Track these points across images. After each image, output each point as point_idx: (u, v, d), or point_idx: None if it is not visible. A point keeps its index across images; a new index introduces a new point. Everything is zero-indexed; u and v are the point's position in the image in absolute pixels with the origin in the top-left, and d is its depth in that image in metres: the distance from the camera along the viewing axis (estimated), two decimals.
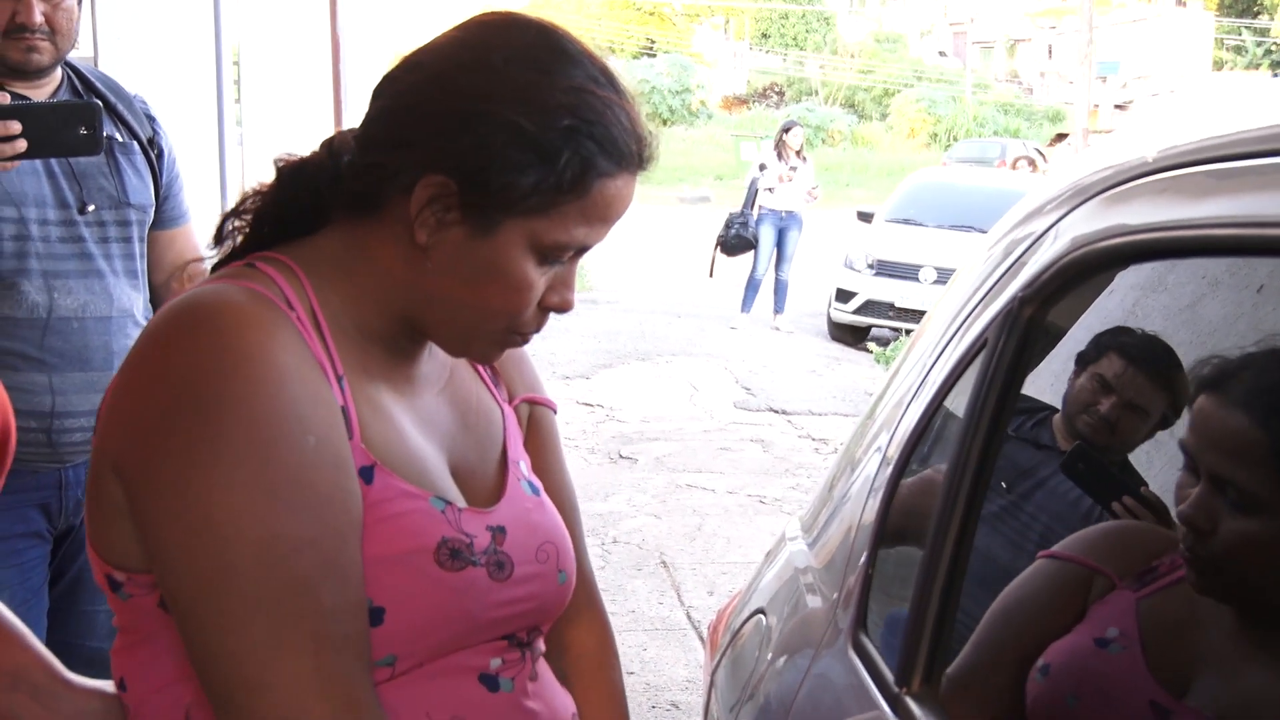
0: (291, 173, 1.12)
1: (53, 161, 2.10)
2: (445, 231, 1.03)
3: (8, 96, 1.97)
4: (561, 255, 1.06)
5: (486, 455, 1.16)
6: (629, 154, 1.05)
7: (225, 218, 1.13)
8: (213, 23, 8.52)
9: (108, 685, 1.12)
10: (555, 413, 1.30)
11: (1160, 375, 1.22)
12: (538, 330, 1.11)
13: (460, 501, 1.09)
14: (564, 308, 1.10)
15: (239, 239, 1.12)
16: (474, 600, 1.05)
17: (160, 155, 2.28)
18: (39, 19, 2.05)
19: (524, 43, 1.04)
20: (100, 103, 2.10)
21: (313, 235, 1.10)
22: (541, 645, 1.17)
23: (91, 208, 2.15)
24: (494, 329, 1.08)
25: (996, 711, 1.23)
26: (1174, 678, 1.08)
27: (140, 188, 2.22)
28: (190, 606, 0.96)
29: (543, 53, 1.04)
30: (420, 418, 1.12)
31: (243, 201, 1.13)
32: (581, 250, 1.08)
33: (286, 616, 0.94)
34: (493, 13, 1.09)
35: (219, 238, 1.13)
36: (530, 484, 1.18)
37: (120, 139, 2.21)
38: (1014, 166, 17.19)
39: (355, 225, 1.07)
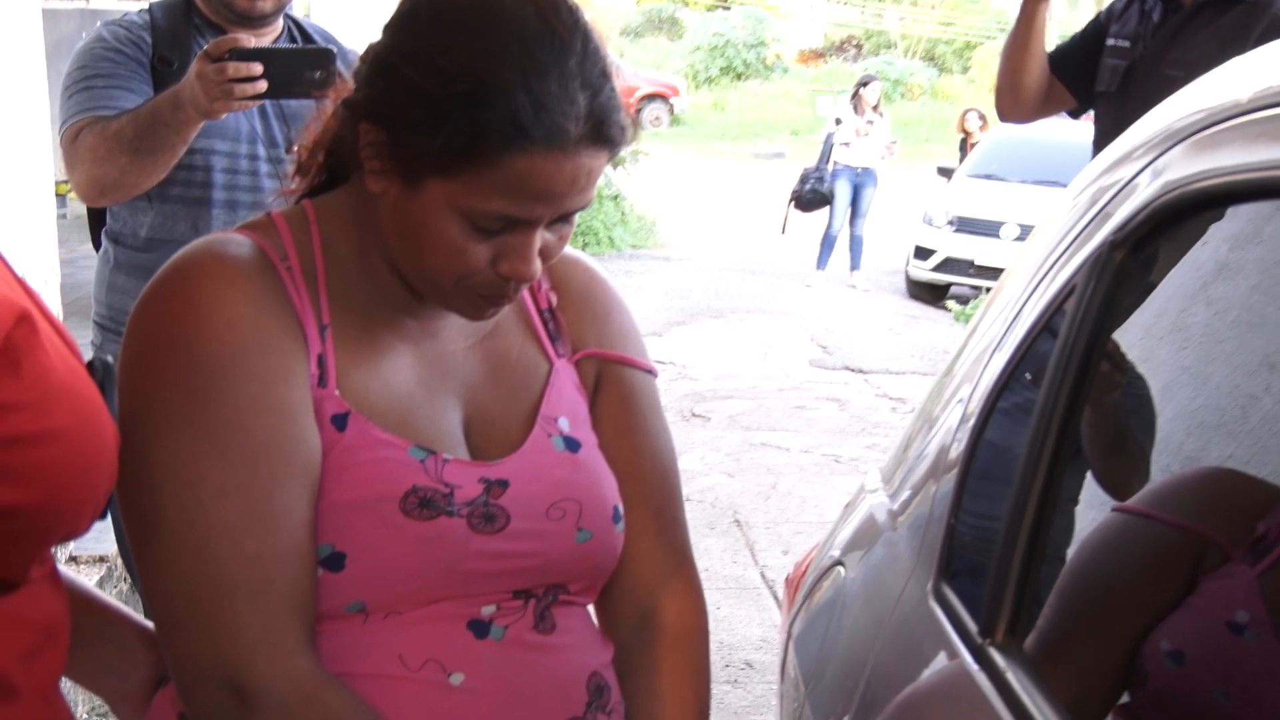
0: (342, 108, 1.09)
1: (267, 103, 2.22)
2: (387, 181, 1.01)
3: (252, 41, 2.08)
4: (491, 224, 1.00)
5: (513, 409, 1.13)
6: (547, 131, 0.96)
7: (308, 151, 1.14)
8: None
9: None
10: (650, 374, 1.22)
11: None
12: (508, 296, 1.06)
13: (454, 452, 1.07)
14: (516, 278, 1.03)
15: (319, 175, 1.13)
16: (447, 550, 1.03)
17: None
18: None
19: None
20: (333, 49, 2.18)
21: (346, 182, 1.10)
22: (568, 598, 1.12)
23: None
24: (445, 286, 1.04)
25: (1101, 687, 1.16)
26: None
27: None
28: (135, 547, 1.01)
29: (471, 12, 0.98)
30: (434, 369, 1.11)
31: (323, 134, 1.12)
32: (521, 222, 1.00)
33: (208, 559, 0.97)
34: None
35: (299, 170, 1.15)
36: (567, 440, 1.13)
37: None
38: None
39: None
